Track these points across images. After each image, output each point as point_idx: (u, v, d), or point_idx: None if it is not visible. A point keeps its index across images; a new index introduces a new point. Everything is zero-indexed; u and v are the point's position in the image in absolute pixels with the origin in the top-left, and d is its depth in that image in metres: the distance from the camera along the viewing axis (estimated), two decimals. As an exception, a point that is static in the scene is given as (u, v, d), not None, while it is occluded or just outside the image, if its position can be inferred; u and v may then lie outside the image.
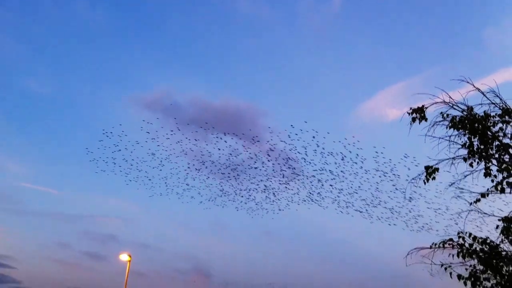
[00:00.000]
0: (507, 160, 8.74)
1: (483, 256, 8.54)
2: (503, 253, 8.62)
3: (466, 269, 8.76)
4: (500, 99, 8.93)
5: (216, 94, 69.38)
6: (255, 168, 29.35)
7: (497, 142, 8.85)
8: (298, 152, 27.60)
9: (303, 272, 56.31)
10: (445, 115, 9.12)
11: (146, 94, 62.75)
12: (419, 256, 9.12)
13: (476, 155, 8.98)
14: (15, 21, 69.89)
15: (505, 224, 8.68)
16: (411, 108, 9.43)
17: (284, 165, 28.25)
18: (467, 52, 65.31)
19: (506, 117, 8.83)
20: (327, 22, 69.47)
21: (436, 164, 9.15)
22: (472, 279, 8.64)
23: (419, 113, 9.33)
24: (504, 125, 8.87)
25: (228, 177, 30.27)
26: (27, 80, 69.99)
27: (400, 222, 27.17)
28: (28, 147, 68.26)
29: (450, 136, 9.17)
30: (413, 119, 9.34)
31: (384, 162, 26.01)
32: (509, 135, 8.86)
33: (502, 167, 8.72)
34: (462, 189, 9.37)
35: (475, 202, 9.21)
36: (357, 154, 26.57)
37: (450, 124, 9.05)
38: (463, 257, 8.66)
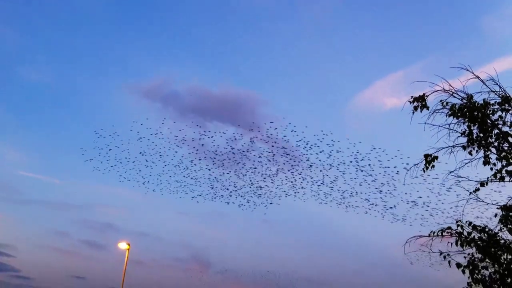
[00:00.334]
0: (506, 148, 8.70)
1: (481, 245, 8.53)
2: (502, 241, 8.62)
3: (465, 258, 8.77)
4: (500, 87, 8.87)
5: (215, 82, 69.17)
6: (255, 156, 29.25)
7: (496, 130, 8.80)
8: (297, 142, 27.53)
9: (302, 261, 56.71)
10: (444, 103, 9.05)
11: (145, 82, 62.59)
12: (418, 244, 9.13)
13: (476, 143, 8.93)
14: (13, 11, 69.30)
15: (504, 213, 8.66)
16: (412, 97, 9.36)
17: (282, 155, 28.19)
18: (465, 41, 65.06)
19: (506, 105, 8.78)
20: (326, 12, 69.00)
21: (435, 152, 9.12)
22: (471, 267, 8.65)
23: (420, 102, 9.26)
24: (504, 113, 8.82)
25: (226, 165, 30.18)
26: (25, 69, 69.72)
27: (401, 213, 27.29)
28: (27, 135, 68.28)
29: (449, 125, 9.12)
30: (415, 108, 9.27)
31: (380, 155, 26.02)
32: (508, 123, 8.81)
33: (501, 155, 8.68)
34: (461, 177, 9.34)
35: (474, 191, 9.19)
36: (357, 151, 26.59)
37: (449, 112, 8.99)
38: (462, 246, 8.65)
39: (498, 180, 8.80)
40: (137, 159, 31.04)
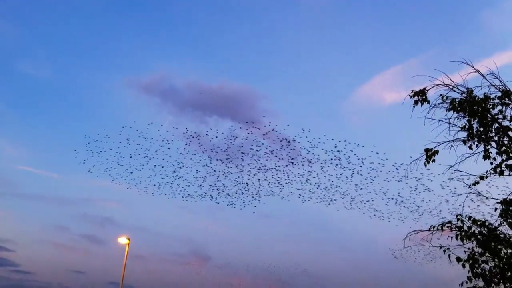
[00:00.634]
0: (506, 142, 8.69)
1: (481, 239, 8.53)
2: (502, 235, 8.62)
3: (465, 252, 8.77)
4: (500, 81, 8.85)
5: (214, 77, 69.03)
6: (254, 150, 29.17)
7: (496, 125, 8.79)
8: (296, 136, 27.49)
9: (302, 255, 56.84)
10: (444, 98, 9.03)
11: (144, 77, 62.46)
12: (418, 238, 9.13)
13: (476, 138, 8.92)
14: (12, 5, 69.01)
15: (504, 207, 8.67)
16: (412, 91, 9.33)
17: (280, 149, 28.14)
18: (464, 35, 64.92)
19: (506, 99, 8.76)
20: (325, 6, 68.73)
21: (436, 146, 9.10)
22: (471, 261, 8.66)
23: (421, 96, 9.23)
24: (504, 107, 8.81)
25: (225, 160, 30.11)
26: (24, 63, 69.54)
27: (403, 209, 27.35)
28: (26, 130, 68.31)
29: (449, 119, 9.11)
30: (416, 102, 9.24)
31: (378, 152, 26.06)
32: (508, 118, 8.79)
33: (502, 149, 8.67)
34: (461, 171, 9.33)
35: (474, 184, 9.19)
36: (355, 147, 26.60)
37: (449, 106, 8.97)
38: (462, 240, 8.65)
39: (497, 175, 8.79)
40: (134, 157, 30.93)
